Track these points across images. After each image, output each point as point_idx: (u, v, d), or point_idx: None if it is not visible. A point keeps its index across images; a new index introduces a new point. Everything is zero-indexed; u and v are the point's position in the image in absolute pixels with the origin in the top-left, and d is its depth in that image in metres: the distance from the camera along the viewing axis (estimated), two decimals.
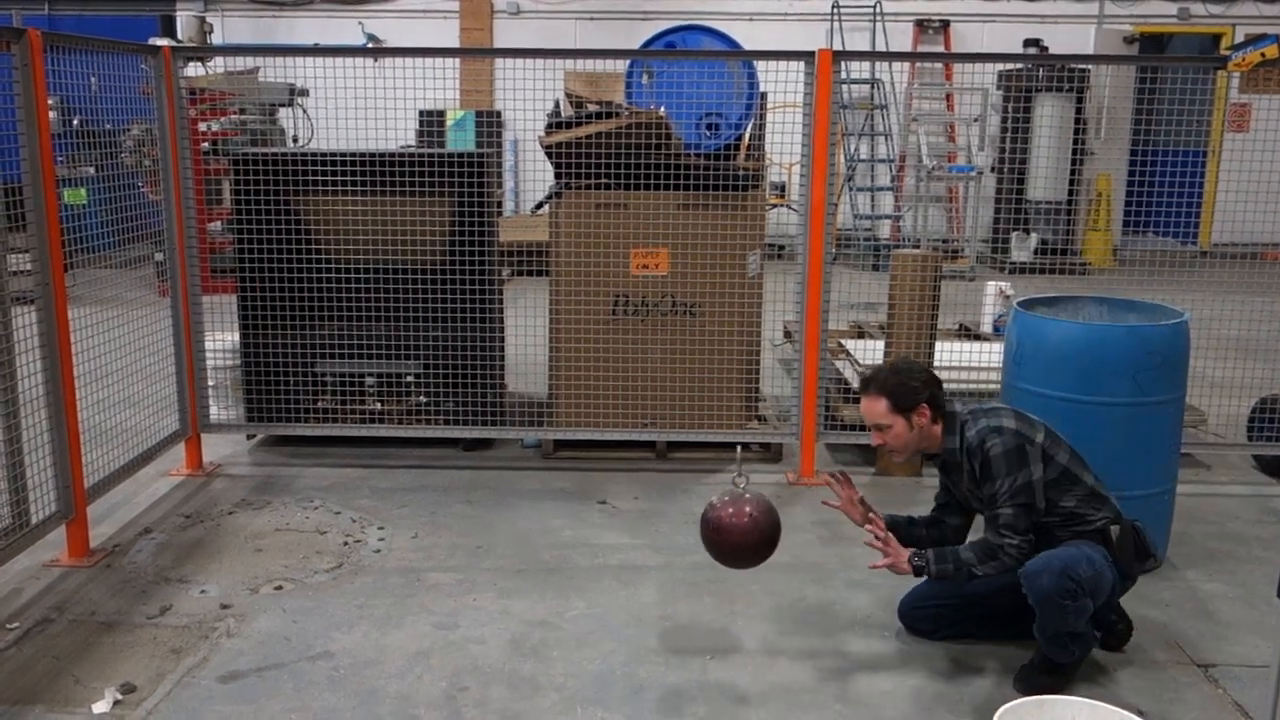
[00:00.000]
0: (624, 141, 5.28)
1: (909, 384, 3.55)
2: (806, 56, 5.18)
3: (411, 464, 5.55)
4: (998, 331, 6.95)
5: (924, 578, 3.55)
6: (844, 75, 12.26)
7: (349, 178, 5.43)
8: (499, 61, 12.40)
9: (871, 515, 3.66)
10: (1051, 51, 12.37)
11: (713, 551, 3.51)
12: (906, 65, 13.23)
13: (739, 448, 3.63)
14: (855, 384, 3.63)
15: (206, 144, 9.52)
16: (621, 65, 5.88)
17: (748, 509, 3.43)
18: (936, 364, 5.48)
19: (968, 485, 3.61)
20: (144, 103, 5.25)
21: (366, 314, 5.61)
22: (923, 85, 13.37)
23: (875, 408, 3.58)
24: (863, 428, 5.46)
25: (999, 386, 4.82)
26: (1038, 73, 11.84)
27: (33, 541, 4.13)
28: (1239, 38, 11.01)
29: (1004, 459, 3.44)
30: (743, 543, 3.44)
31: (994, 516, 3.45)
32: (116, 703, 3.33)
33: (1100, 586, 3.40)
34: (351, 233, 5.54)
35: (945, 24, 13.33)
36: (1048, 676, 3.44)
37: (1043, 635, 3.40)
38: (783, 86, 5.35)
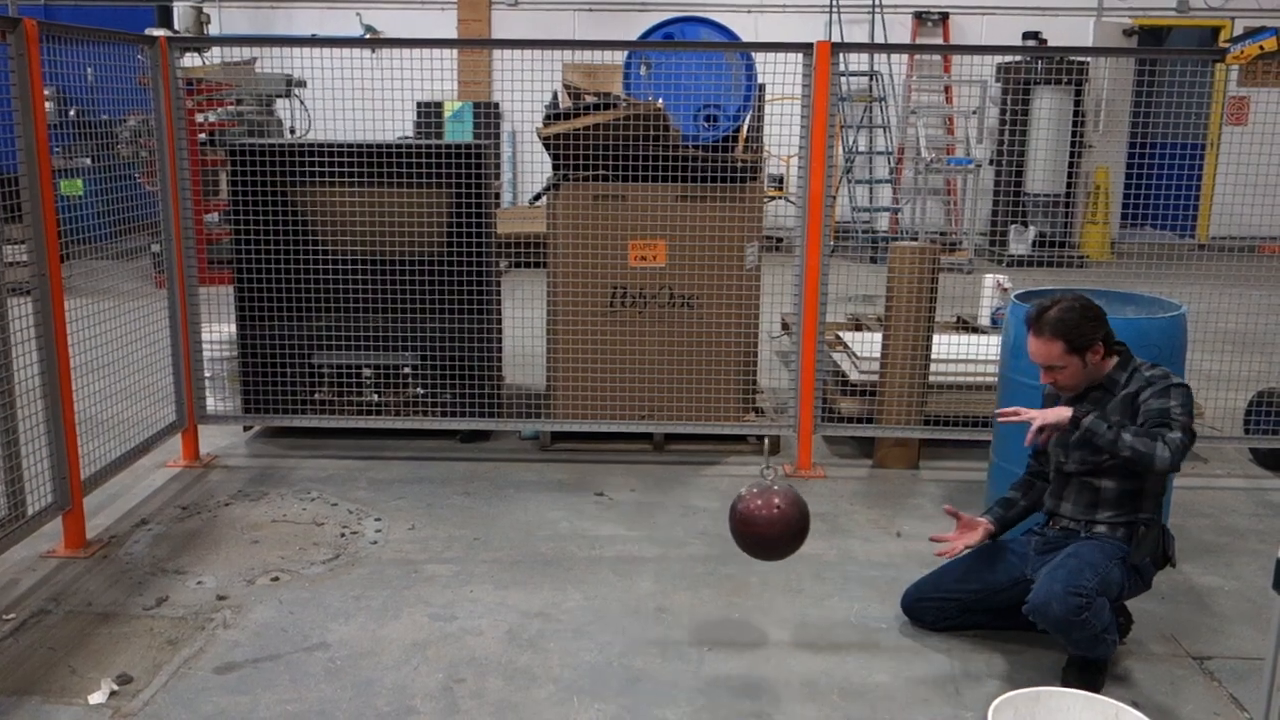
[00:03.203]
0: (622, 133, 5.27)
1: (1084, 325, 3.46)
2: (805, 48, 5.17)
3: (409, 455, 5.56)
4: (995, 324, 6.95)
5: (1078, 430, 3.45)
6: (842, 67, 12.25)
7: (346, 169, 5.42)
8: (497, 53, 12.36)
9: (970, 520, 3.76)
10: (1050, 44, 12.36)
11: (740, 543, 3.53)
12: (905, 57, 13.21)
13: (766, 440, 3.64)
14: (1033, 323, 3.52)
15: (203, 135, 9.50)
16: (619, 57, 5.87)
17: (776, 501, 3.44)
18: (934, 356, 5.48)
19: (1116, 407, 3.52)
20: (141, 93, 5.24)
21: (364, 306, 5.61)
22: (921, 78, 13.36)
23: (1051, 350, 3.48)
24: (859, 421, 5.49)
25: (996, 379, 4.83)
26: (1036, 65, 11.83)
27: (29, 532, 4.13)
28: (1238, 30, 11.01)
29: (1183, 393, 3.43)
30: (769, 534, 3.45)
31: (1170, 422, 3.38)
32: (113, 693, 3.33)
33: (1109, 584, 3.37)
34: (349, 224, 5.53)
35: (944, 16, 13.32)
36: (1095, 674, 3.40)
37: (1078, 648, 3.38)
38: (781, 78, 5.34)
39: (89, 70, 4.75)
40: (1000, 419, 3.60)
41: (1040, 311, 3.51)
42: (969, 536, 3.72)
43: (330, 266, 5.52)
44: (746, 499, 3.47)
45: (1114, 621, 3.42)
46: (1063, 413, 3.43)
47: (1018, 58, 12.13)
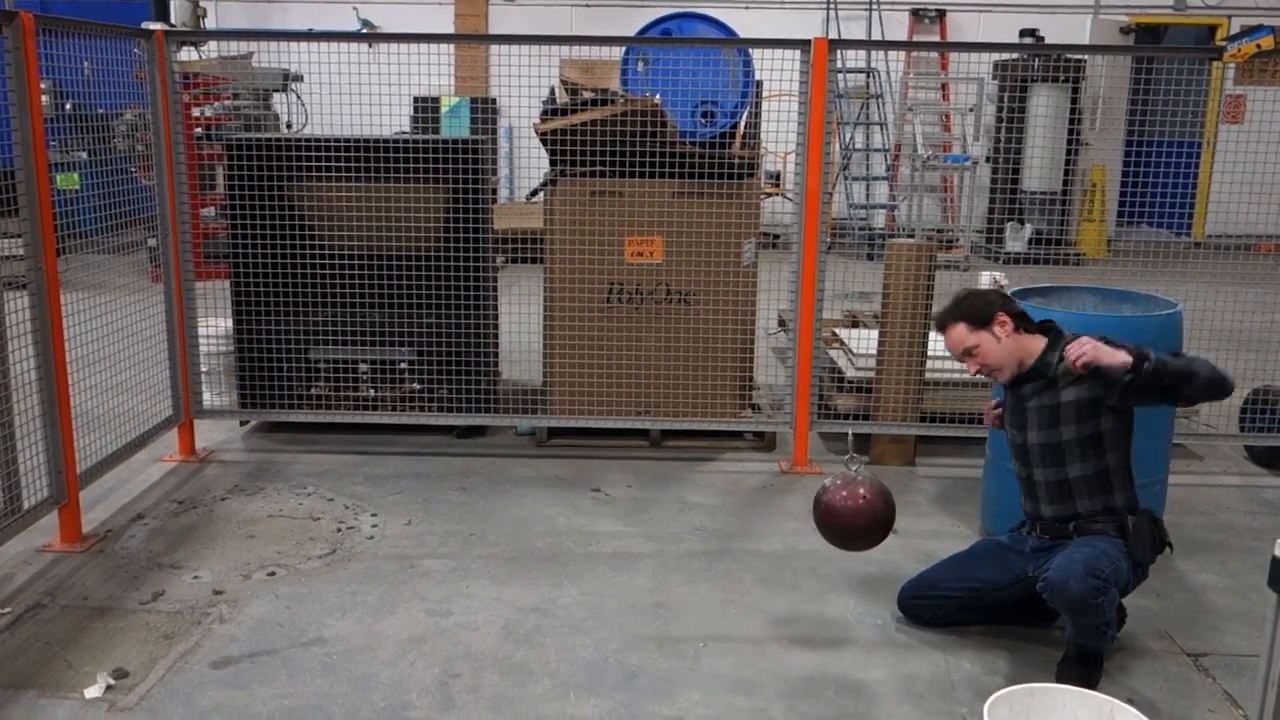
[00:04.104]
0: (619, 129, 5.27)
1: (976, 300, 3.58)
2: (802, 45, 5.17)
3: (405, 451, 5.55)
4: None
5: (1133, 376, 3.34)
6: (840, 64, 12.25)
7: (343, 164, 5.41)
8: (494, 48, 12.34)
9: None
10: (1047, 41, 12.36)
11: (826, 534, 3.57)
12: (902, 54, 13.21)
13: (850, 434, 3.65)
14: (938, 321, 3.59)
15: (200, 129, 9.48)
16: (617, 52, 5.87)
17: (861, 491, 3.47)
18: (930, 354, 5.49)
19: (1044, 394, 3.50)
20: (137, 87, 5.23)
21: (360, 300, 5.60)
22: (918, 75, 13.36)
23: (956, 334, 3.58)
24: (856, 417, 5.50)
25: None
26: (1033, 63, 11.84)
27: (25, 526, 4.13)
28: (1235, 29, 11.00)
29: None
30: (854, 525, 3.50)
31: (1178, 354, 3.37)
32: (109, 688, 3.33)
33: (1120, 575, 3.40)
34: (345, 219, 5.52)
35: (941, 13, 13.31)
36: (1091, 670, 3.41)
37: (1080, 636, 3.38)
38: (778, 75, 5.34)
39: (85, 64, 4.74)
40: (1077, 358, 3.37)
41: (943, 310, 3.65)
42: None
43: (327, 261, 5.51)
44: (831, 491, 3.51)
45: (1115, 617, 3.45)
46: (1117, 354, 3.31)
47: (1015, 55, 12.14)
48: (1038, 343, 3.58)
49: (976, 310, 3.56)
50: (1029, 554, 3.65)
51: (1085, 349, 3.36)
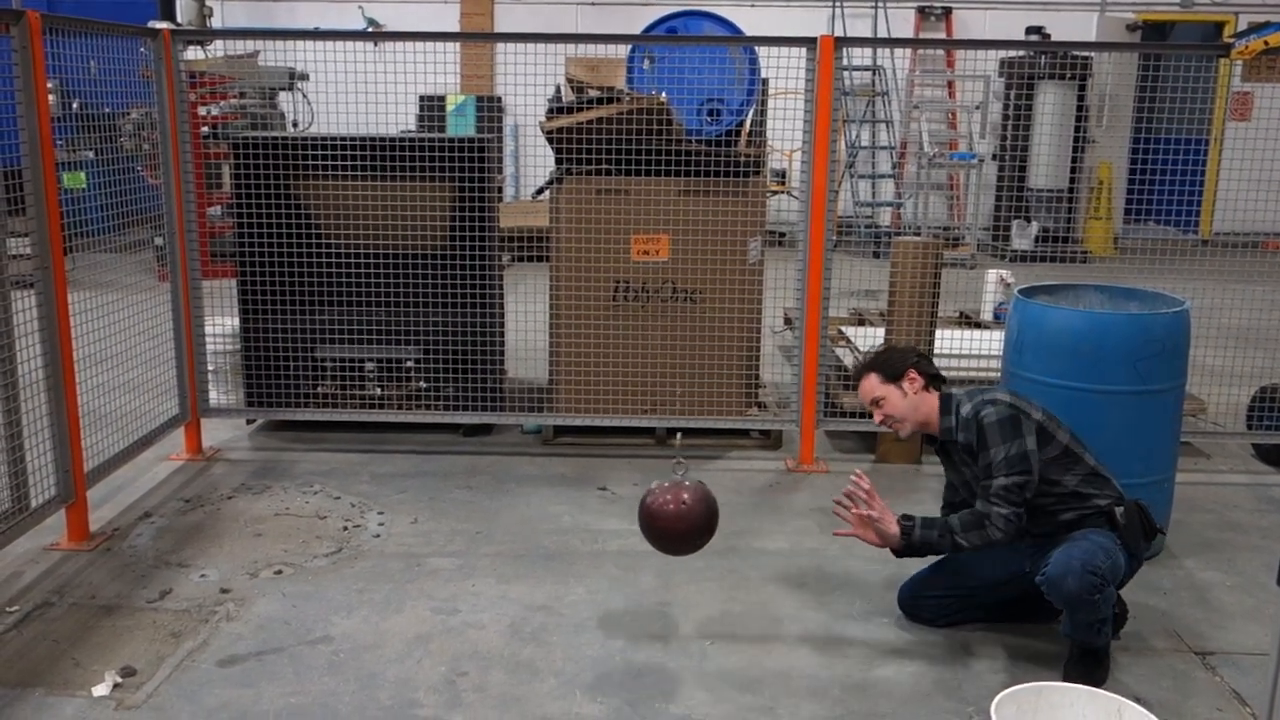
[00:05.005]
0: (625, 127, 5.27)
1: (892, 355, 3.75)
2: (808, 43, 5.17)
3: (411, 449, 5.56)
4: (998, 319, 6.95)
5: (903, 547, 3.55)
6: (845, 62, 12.22)
7: (349, 162, 5.42)
8: (500, 46, 12.38)
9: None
10: (1054, 39, 12.34)
11: (648, 536, 3.52)
12: (908, 52, 13.20)
13: (678, 434, 3.66)
14: (854, 373, 3.76)
15: (206, 128, 9.50)
16: (623, 50, 5.87)
17: (684, 496, 3.45)
18: (937, 352, 5.48)
19: (969, 466, 3.62)
20: (143, 86, 5.23)
21: (366, 299, 5.61)
22: (924, 72, 13.34)
23: (867, 385, 3.71)
24: (862, 415, 5.49)
25: (999, 374, 4.83)
26: (1040, 60, 11.82)
27: (33, 525, 4.14)
28: (1242, 25, 10.95)
29: (998, 427, 3.47)
30: (675, 529, 3.45)
31: (987, 485, 3.46)
32: (116, 686, 3.34)
33: (1117, 571, 3.40)
34: (352, 218, 5.53)
35: (947, 11, 13.29)
36: (1096, 667, 3.42)
37: (1075, 631, 3.39)
38: (784, 73, 5.33)
39: (92, 63, 4.75)
40: (854, 492, 3.55)
41: (860, 362, 3.80)
42: (865, 531, 3.63)
43: (333, 260, 5.52)
44: (654, 494, 3.48)
45: (1112, 615, 3.45)
46: (889, 524, 3.50)
47: (1021, 52, 12.11)
48: (936, 405, 3.66)
49: (891, 365, 3.69)
50: (1025, 550, 3.64)
51: (867, 523, 3.53)
